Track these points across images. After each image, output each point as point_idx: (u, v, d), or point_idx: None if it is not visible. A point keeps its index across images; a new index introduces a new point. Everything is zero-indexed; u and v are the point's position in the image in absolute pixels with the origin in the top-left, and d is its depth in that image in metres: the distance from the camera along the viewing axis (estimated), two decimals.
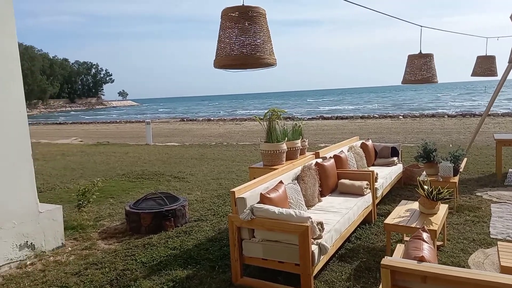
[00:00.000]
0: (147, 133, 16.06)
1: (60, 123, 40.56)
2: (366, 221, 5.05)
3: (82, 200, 5.91)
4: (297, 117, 30.31)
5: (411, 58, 4.46)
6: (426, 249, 2.38)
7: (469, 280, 1.95)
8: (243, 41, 2.39)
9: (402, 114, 27.35)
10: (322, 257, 3.51)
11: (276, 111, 5.35)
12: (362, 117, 27.40)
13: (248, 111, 52.22)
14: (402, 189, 6.66)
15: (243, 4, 2.35)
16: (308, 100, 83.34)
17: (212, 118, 35.93)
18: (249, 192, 3.80)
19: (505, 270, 2.88)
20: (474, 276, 1.96)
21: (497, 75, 7.60)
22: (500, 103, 35.69)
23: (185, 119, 36.78)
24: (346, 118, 27.80)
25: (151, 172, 9.06)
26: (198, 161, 10.70)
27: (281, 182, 4.22)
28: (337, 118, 28.27)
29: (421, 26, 4.63)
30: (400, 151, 7.14)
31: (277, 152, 5.26)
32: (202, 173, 8.85)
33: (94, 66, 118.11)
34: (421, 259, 2.20)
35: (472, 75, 8.21)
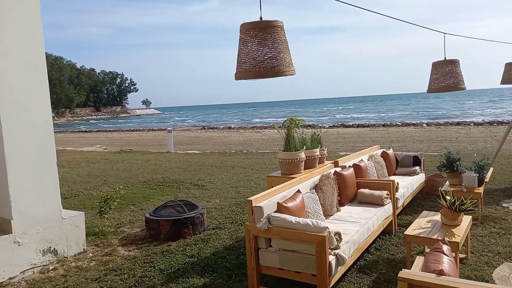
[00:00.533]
0: (169, 141, 16.31)
1: (85, 131, 41.73)
2: (386, 232, 4.94)
3: (104, 207, 6.04)
4: (318, 125, 30.19)
5: (436, 65, 4.37)
6: (446, 262, 2.31)
7: None
8: (262, 55, 2.43)
9: (425, 122, 26.77)
10: (339, 268, 3.46)
11: (294, 119, 5.34)
12: (384, 125, 26.98)
13: (267, 119, 52.28)
14: (425, 199, 6.49)
15: (260, 18, 2.39)
16: (325, 107, 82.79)
17: (232, 126, 36.18)
18: (267, 201, 3.80)
19: None
20: None
21: None
22: None
23: (206, 127, 37.20)
24: (368, 126, 27.44)
25: (171, 180, 9.18)
26: (218, 169, 10.77)
27: (298, 191, 4.19)
28: (358, 126, 27.94)
29: (444, 33, 4.56)
30: (422, 160, 6.98)
31: (295, 160, 5.25)
32: (221, 181, 8.90)
33: (120, 76, 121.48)
34: (440, 273, 2.14)
35: (501, 83, 7.95)
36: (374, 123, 29.67)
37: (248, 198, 3.70)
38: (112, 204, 6.10)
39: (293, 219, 3.50)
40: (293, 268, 3.47)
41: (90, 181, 9.78)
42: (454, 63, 4.01)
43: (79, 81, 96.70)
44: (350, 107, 79.06)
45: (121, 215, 6.38)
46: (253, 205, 3.68)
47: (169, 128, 17.73)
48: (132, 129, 42.21)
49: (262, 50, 2.40)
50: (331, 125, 30.05)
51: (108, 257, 4.65)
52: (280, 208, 3.73)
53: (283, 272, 3.53)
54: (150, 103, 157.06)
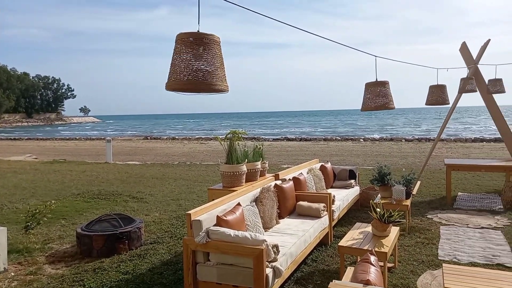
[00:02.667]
0: (107, 151, 15.58)
1: (14, 139, 38.52)
2: (322, 243, 5.12)
3: (30, 222, 5.60)
4: (262, 138, 30.64)
5: (368, 86, 4.66)
6: (373, 272, 2.44)
7: None
8: (196, 67, 2.42)
9: (362, 137, 28.30)
10: (276, 280, 3.51)
11: (237, 132, 5.39)
12: (325, 139, 28.07)
13: (214, 130, 52.06)
14: (359, 211, 6.83)
15: (198, 31, 2.40)
16: (270, 120, 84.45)
17: (176, 137, 35.50)
18: (206, 215, 3.77)
19: None
20: None
21: (448, 103, 8.08)
22: (453, 129, 37.87)
23: (148, 137, 36.09)
24: (310, 140, 28.38)
25: (108, 192, 8.75)
26: (159, 180, 10.48)
27: (239, 204, 4.21)
28: (301, 139, 28.79)
29: (376, 56, 4.88)
30: (357, 174, 7.36)
31: (237, 173, 5.28)
32: (162, 194, 8.67)
33: (56, 81, 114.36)
34: (367, 283, 2.26)
35: (426, 104, 8.67)
36: (316, 137, 30.77)
37: (187, 212, 3.65)
38: (41, 219, 5.67)
39: (232, 232, 3.51)
40: (231, 282, 3.46)
41: (17, 193, 9.01)
42: (384, 84, 4.32)
43: (9, 84, 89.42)
44: (295, 121, 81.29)
45: (49, 230, 5.95)
46: (192, 218, 3.63)
47: (108, 138, 16.97)
48: (67, 137, 39.76)
49: (197, 63, 2.39)
50: (275, 138, 30.66)
51: (32, 276, 4.30)
52: (220, 221, 3.72)
53: (221, 286, 3.50)
54: (89, 110, 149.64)
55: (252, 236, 3.44)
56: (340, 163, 13.37)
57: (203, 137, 34.08)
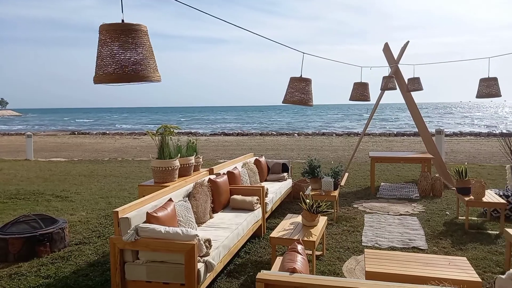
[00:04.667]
0: (28, 147, 14.32)
1: None
2: (256, 235, 5.21)
3: None
4: (199, 133, 30.30)
5: (292, 80, 4.76)
6: (299, 261, 2.54)
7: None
8: (123, 58, 2.31)
9: (296, 132, 29.25)
10: (208, 274, 3.50)
11: (168, 127, 5.26)
12: (261, 134, 28.54)
13: (144, 125, 50.26)
14: (292, 203, 7.06)
15: (122, 21, 2.28)
16: (207, 115, 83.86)
17: (107, 132, 33.73)
18: (135, 212, 3.63)
19: (369, 274, 3.22)
20: (331, 283, 2.15)
21: (369, 100, 8.64)
22: (378, 124, 40.65)
23: (76, 132, 33.83)
24: (247, 134, 28.66)
25: (28, 191, 8.06)
26: (87, 178, 9.89)
27: (170, 199, 4.12)
28: (238, 134, 28.97)
29: (303, 53, 5.04)
30: (290, 167, 7.59)
31: (169, 168, 5.16)
32: (90, 192, 8.20)
33: None
34: (293, 271, 2.34)
35: (350, 99, 9.19)
36: (253, 132, 31.16)
37: (114, 210, 3.49)
38: None
39: (162, 228, 3.42)
40: (162, 280, 3.38)
41: None
42: (307, 81, 4.47)
43: None
44: (230, 116, 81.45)
45: None
46: (120, 216, 3.48)
47: (28, 133, 15.58)
48: None
49: (124, 53, 2.29)
50: (212, 133, 30.50)
51: None
52: (150, 218, 3.61)
53: (151, 285, 3.41)
54: (7, 103, 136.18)
55: (184, 232, 3.39)
56: (275, 157, 13.68)
57: (136, 132, 32.79)
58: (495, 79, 5.90)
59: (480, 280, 2.99)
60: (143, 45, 2.28)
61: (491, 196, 5.66)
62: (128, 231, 3.41)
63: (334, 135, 26.63)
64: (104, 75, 2.22)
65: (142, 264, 3.44)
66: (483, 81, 5.95)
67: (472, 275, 3.08)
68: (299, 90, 4.32)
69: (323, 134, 27.39)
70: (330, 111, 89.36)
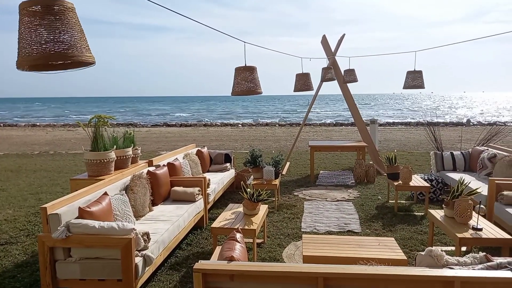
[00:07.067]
0: None
1: None
2: (198, 226, 5.18)
3: None
4: (139, 124, 29.22)
5: (238, 70, 4.78)
6: (237, 249, 2.56)
7: (263, 273, 2.19)
8: (49, 39, 2.13)
9: (241, 123, 29.36)
10: (147, 268, 3.42)
11: (102, 117, 5.00)
12: (205, 125, 28.25)
13: (82, 115, 47.45)
14: (234, 193, 7.10)
15: None
16: (148, 106, 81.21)
17: (38, 124, 31.31)
18: (66, 207, 3.43)
19: (306, 258, 3.34)
20: (266, 268, 2.20)
21: (313, 89, 8.90)
22: (317, 114, 42.09)
23: (1, 124, 30.99)
24: (190, 125, 28.20)
25: None
26: (14, 173, 9.14)
27: (105, 193, 3.94)
28: (181, 125, 28.39)
29: (245, 42, 5.05)
30: (232, 157, 7.61)
31: (104, 161, 4.93)
32: (18, 188, 7.59)
33: None
34: (231, 259, 2.36)
35: (294, 91, 9.40)
36: (196, 123, 30.71)
37: (42, 206, 3.26)
38: None
39: (96, 224, 3.27)
40: (96, 277, 3.24)
41: None
42: (252, 69, 4.50)
43: None
44: (172, 107, 79.53)
45: None
46: (48, 213, 3.26)
47: None
48: None
49: (50, 35, 2.10)
50: (154, 124, 29.60)
51: None
52: (82, 213, 3.43)
53: (85, 282, 3.26)
54: None
55: (120, 226, 3.27)
56: (219, 147, 13.64)
57: (70, 123, 30.82)
58: (420, 72, 6.36)
59: (405, 258, 3.23)
60: (70, 24, 2.11)
61: (417, 180, 6.13)
62: (58, 228, 3.22)
63: (277, 125, 27.12)
64: (25, 59, 2.02)
65: (75, 262, 3.27)
66: (409, 73, 6.39)
67: (398, 254, 3.32)
68: (246, 80, 4.33)
69: (267, 124, 27.77)
70: (270, 102, 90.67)
